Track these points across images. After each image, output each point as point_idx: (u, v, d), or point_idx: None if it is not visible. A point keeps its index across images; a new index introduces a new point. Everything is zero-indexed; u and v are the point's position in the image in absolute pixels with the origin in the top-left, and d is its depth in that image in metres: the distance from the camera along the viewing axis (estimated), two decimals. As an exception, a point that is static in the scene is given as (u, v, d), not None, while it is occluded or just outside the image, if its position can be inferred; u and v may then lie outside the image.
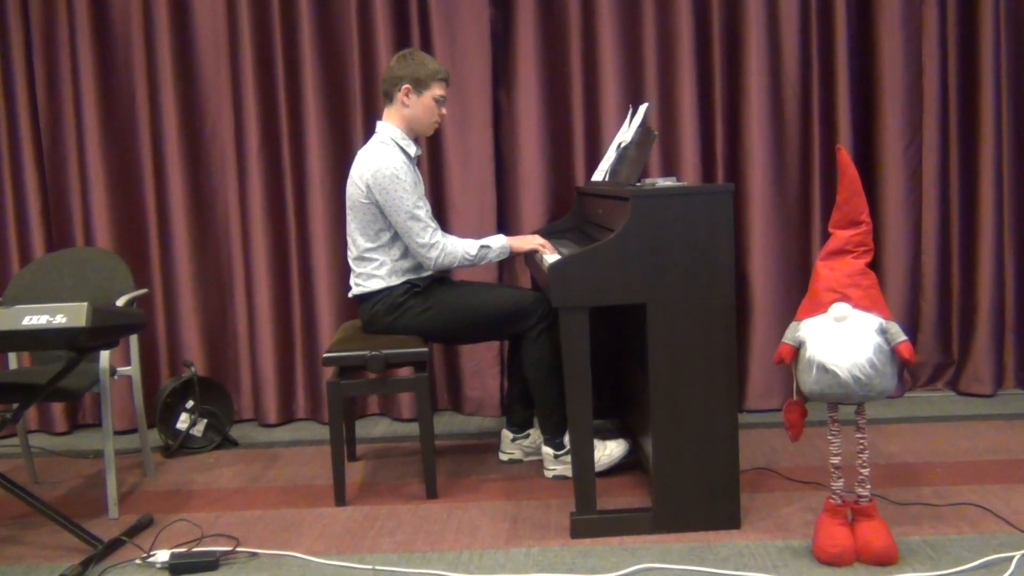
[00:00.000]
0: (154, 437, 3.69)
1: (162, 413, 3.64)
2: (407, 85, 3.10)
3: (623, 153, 3.12)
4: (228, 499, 3.09)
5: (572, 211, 3.77)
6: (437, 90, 3.13)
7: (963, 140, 3.89)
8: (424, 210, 3.06)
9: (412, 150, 3.16)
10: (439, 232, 3.08)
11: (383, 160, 3.02)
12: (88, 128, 3.89)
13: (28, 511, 3.00)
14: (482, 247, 3.11)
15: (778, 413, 3.76)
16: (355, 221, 3.11)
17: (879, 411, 3.72)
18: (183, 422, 3.65)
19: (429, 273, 3.16)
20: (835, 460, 2.40)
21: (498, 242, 3.13)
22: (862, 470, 2.37)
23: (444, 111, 3.19)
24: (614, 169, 3.18)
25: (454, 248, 3.07)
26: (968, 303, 3.93)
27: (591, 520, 2.60)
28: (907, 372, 3.97)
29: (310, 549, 2.61)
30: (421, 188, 3.16)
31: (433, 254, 3.05)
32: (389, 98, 3.15)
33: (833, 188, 3.64)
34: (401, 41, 3.83)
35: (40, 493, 3.17)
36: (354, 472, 3.31)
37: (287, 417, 4.04)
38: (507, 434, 3.35)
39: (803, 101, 3.82)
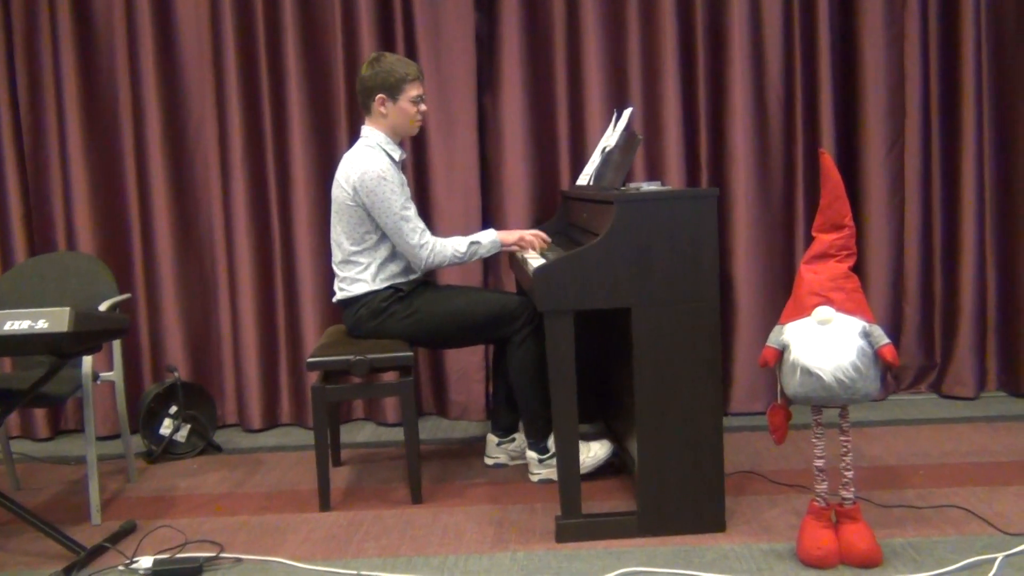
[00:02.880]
0: (137, 443, 3.66)
1: (145, 418, 3.62)
2: (380, 95, 3.09)
3: (607, 157, 3.13)
4: (212, 505, 3.07)
5: (557, 215, 3.77)
6: (411, 91, 3.12)
7: (945, 145, 3.91)
8: (412, 211, 3.06)
9: (397, 155, 3.16)
10: (428, 232, 3.08)
11: (369, 162, 3.01)
12: (70, 132, 3.86)
13: (10, 518, 2.98)
14: (472, 244, 3.11)
15: (762, 416, 3.77)
16: (341, 224, 3.10)
17: (863, 414, 3.73)
18: (166, 427, 3.63)
19: (414, 277, 3.16)
20: (819, 463, 2.41)
21: (488, 237, 3.13)
22: (846, 473, 2.38)
23: (424, 107, 3.18)
24: (599, 173, 3.19)
25: (443, 247, 3.07)
26: (950, 306, 3.95)
27: (576, 524, 2.60)
28: (890, 375, 3.99)
29: (295, 554, 2.60)
30: (407, 191, 3.15)
31: (423, 254, 3.05)
32: (367, 108, 3.15)
33: (816, 192, 3.65)
34: (385, 45, 3.82)
35: (22, 499, 3.14)
36: (339, 477, 3.30)
37: (271, 422, 4.03)
38: (492, 438, 3.35)
39: (787, 106, 3.84)
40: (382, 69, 3.09)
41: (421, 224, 3.07)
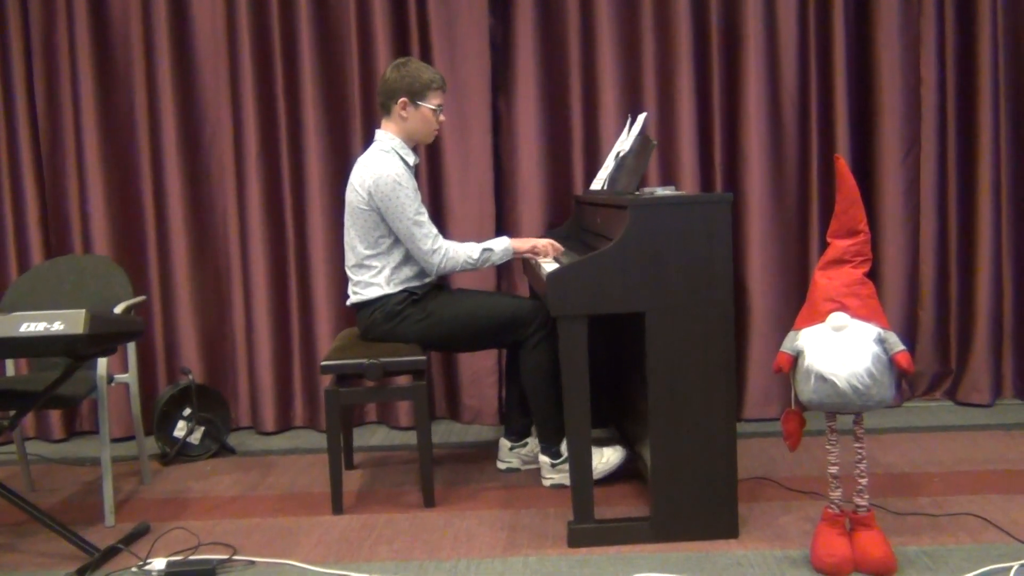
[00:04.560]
0: (151, 445, 3.68)
1: (159, 420, 3.64)
2: (403, 98, 3.10)
3: (622, 162, 3.13)
4: (225, 507, 3.08)
5: (570, 219, 3.77)
6: (434, 100, 3.12)
7: (961, 150, 3.89)
8: (425, 216, 3.07)
9: (411, 159, 3.16)
10: (441, 238, 3.08)
11: (384, 167, 3.02)
12: (87, 135, 3.89)
13: (25, 519, 2.99)
14: (484, 250, 3.11)
15: (776, 422, 3.76)
16: (355, 228, 3.11)
17: (877, 421, 3.72)
18: (180, 430, 3.64)
19: (428, 281, 3.16)
20: (833, 470, 2.39)
21: (501, 244, 3.14)
22: (860, 480, 2.37)
23: (443, 118, 3.19)
24: (613, 178, 3.19)
25: (456, 253, 3.08)
26: (966, 313, 3.93)
27: (589, 529, 2.60)
28: (905, 382, 3.97)
29: (307, 557, 2.60)
30: (420, 195, 3.16)
31: (436, 260, 3.05)
32: (386, 110, 3.15)
33: (831, 198, 3.64)
34: (401, 49, 3.84)
35: (37, 500, 3.16)
36: (352, 480, 3.30)
37: (285, 425, 4.04)
38: (505, 443, 3.35)
39: (801, 111, 3.83)
40: (408, 73, 3.09)
41: (434, 230, 3.07)
